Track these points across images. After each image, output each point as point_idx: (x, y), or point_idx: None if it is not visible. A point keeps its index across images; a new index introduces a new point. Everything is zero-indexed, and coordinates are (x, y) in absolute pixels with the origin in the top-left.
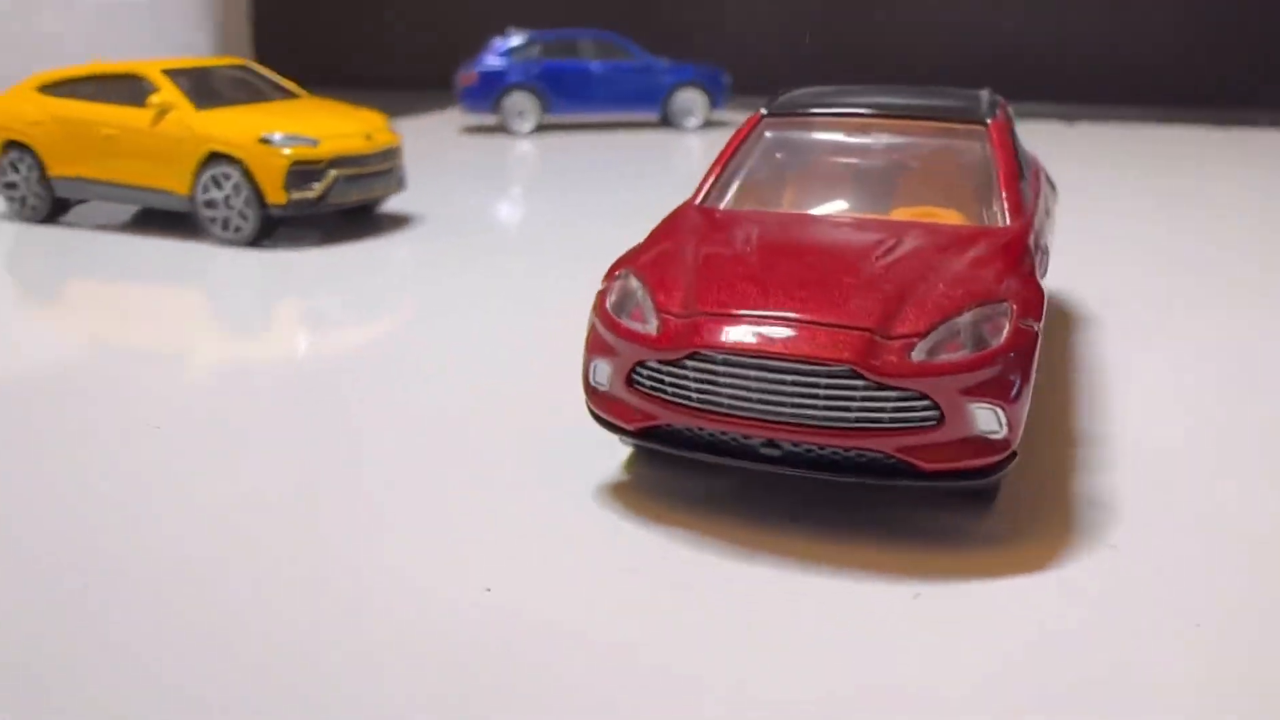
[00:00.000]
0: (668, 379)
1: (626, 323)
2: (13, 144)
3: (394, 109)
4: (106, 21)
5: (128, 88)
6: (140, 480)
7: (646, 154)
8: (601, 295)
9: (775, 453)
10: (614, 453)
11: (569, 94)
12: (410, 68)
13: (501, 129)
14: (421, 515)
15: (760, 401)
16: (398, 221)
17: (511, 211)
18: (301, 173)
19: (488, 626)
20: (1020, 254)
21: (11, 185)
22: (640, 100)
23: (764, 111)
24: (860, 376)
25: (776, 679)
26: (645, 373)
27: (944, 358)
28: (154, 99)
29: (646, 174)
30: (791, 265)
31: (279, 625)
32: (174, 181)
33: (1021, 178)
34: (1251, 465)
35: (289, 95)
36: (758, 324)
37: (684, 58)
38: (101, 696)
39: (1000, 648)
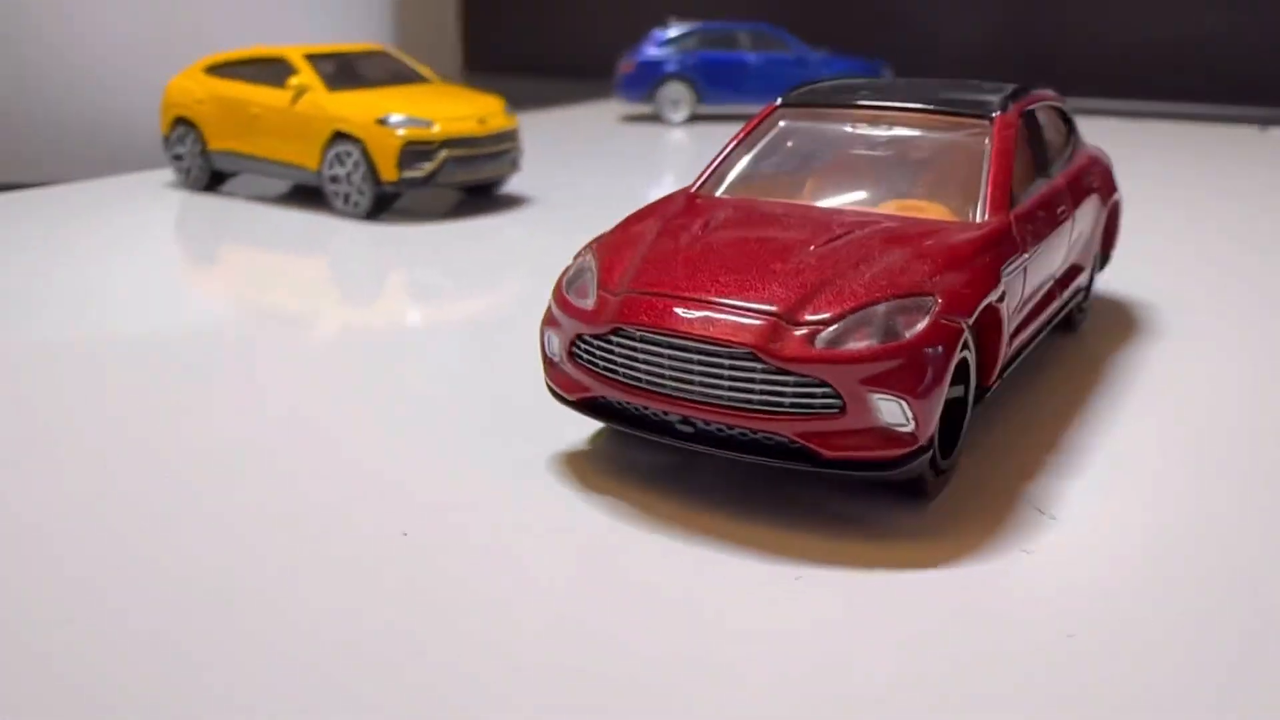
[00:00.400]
0: (598, 353)
1: (570, 298)
2: (181, 119)
3: (571, 96)
4: (293, 8)
5: (274, 70)
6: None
7: None
8: (564, 272)
9: (689, 430)
10: (589, 425)
11: (722, 84)
12: (603, 56)
13: (656, 118)
14: (386, 462)
15: (673, 379)
16: (516, 202)
17: (634, 197)
18: (413, 152)
19: (391, 568)
20: (976, 250)
21: (179, 157)
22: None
23: (779, 102)
24: (759, 360)
25: (639, 635)
26: (582, 346)
27: (848, 346)
28: (292, 81)
29: None
30: (732, 251)
31: (231, 546)
32: (306, 158)
33: (1043, 174)
34: (1227, 488)
35: (420, 80)
36: (675, 304)
37: (869, 54)
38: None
39: (850, 636)
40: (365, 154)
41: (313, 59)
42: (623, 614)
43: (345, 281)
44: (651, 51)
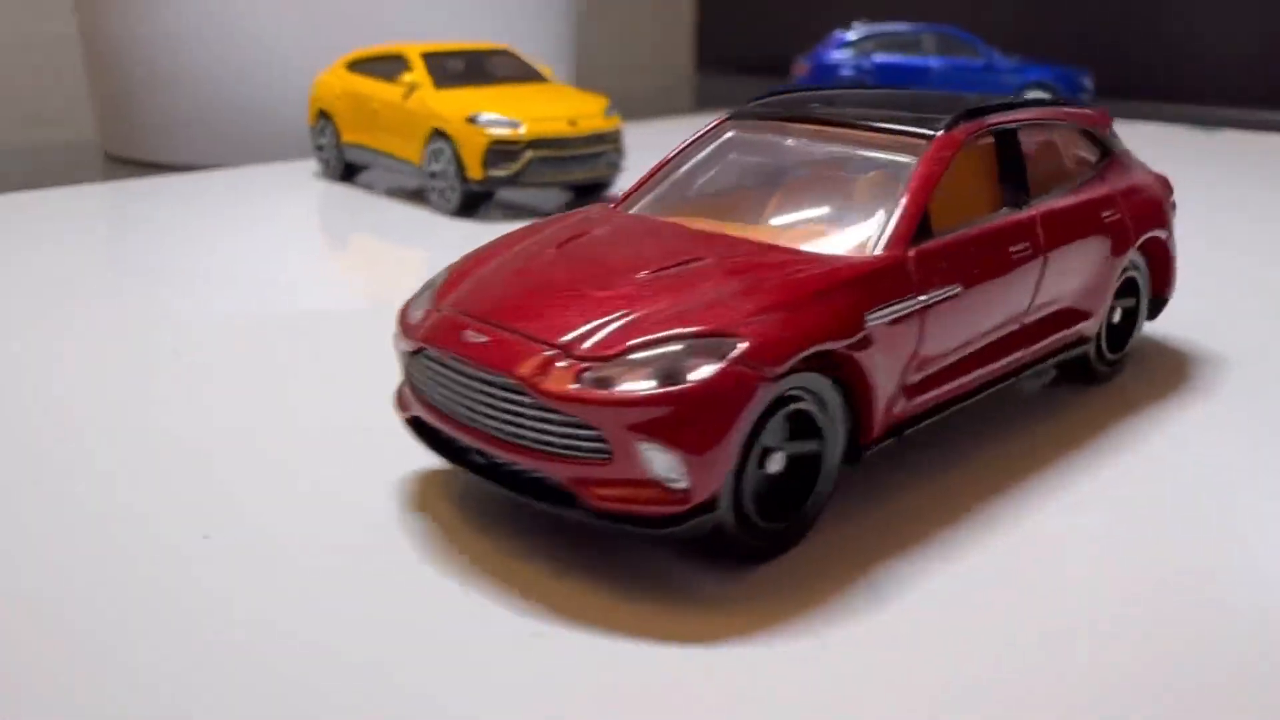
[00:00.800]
0: (415, 372)
1: (409, 310)
2: (322, 113)
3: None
4: (474, 6)
5: (394, 67)
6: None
7: None
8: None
9: (482, 462)
10: None
11: None
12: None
13: None
14: (234, 464)
15: (462, 406)
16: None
17: None
18: (500, 152)
19: (178, 566)
20: (831, 289)
21: (320, 148)
22: None
23: (730, 112)
24: (526, 393)
25: (345, 664)
26: (409, 364)
27: (618, 388)
28: (404, 77)
29: None
30: (567, 273)
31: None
32: (411, 153)
33: (1013, 205)
34: (1136, 626)
35: (535, 80)
36: (471, 327)
37: (1069, 62)
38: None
39: (546, 704)
40: (455, 151)
41: (430, 56)
42: (350, 642)
43: (409, 276)
44: (827, 55)
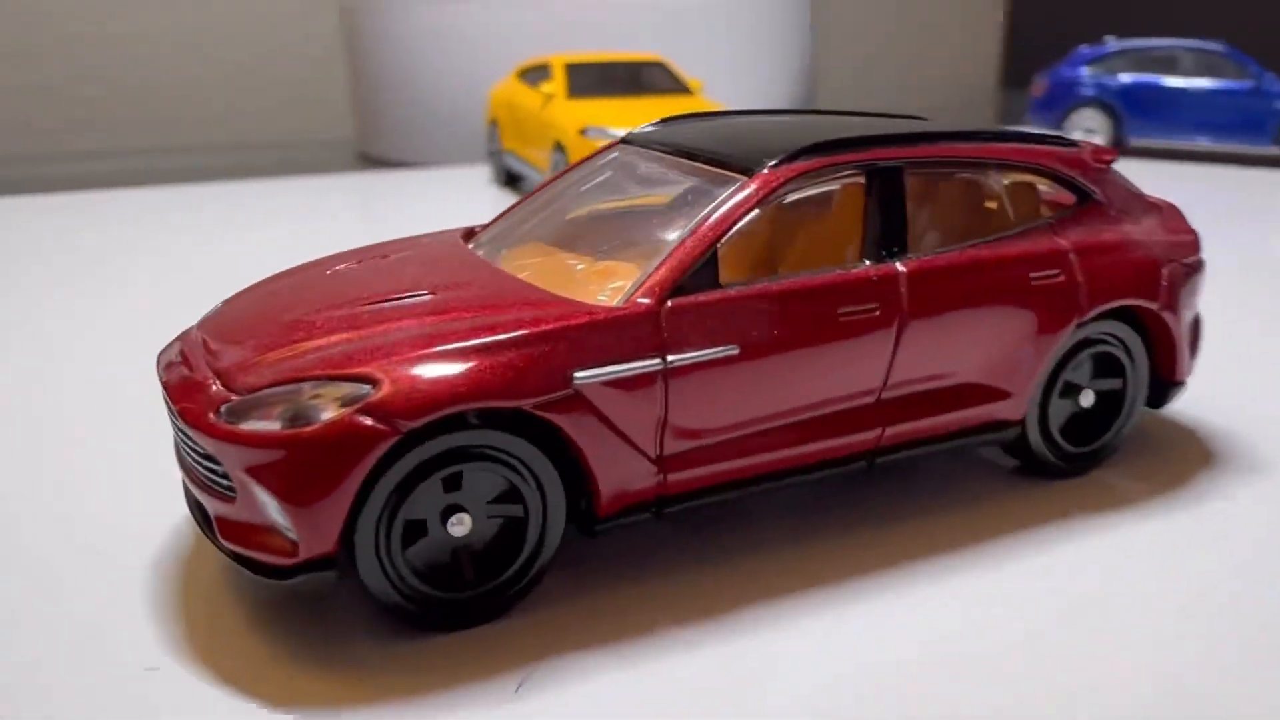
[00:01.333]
0: None
1: None
2: (494, 120)
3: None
4: (685, 19)
5: (541, 76)
6: None
7: (1229, 198)
8: None
9: (183, 485)
10: None
11: (1151, 114)
12: None
13: None
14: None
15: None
16: None
17: None
18: None
19: None
20: (526, 340)
21: (493, 153)
22: (1243, 128)
23: (622, 138)
24: (181, 419)
25: None
26: None
27: (245, 424)
28: (544, 87)
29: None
30: (305, 300)
31: None
32: (541, 160)
33: (882, 255)
34: None
35: (677, 92)
36: (184, 348)
37: None
38: None
39: None
40: (568, 162)
41: (574, 67)
42: None
43: None
44: (1067, 72)
